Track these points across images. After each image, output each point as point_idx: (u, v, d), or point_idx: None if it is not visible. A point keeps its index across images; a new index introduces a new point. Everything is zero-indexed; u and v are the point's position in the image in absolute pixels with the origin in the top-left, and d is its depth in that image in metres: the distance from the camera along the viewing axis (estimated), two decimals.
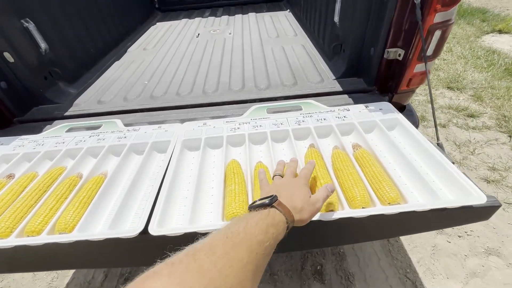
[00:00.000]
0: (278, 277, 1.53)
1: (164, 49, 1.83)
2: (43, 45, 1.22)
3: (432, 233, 1.69)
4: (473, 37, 4.05)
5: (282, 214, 0.45)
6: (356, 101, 1.06)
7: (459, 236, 1.69)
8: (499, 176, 1.96)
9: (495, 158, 2.11)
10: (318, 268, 1.56)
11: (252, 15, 2.43)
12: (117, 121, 1.00)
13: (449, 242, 1.66)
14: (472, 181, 0.61)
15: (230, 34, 2.01)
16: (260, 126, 0.91)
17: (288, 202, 0.49)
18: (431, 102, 0.87)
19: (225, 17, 2.46)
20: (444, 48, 3.70)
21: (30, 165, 0.82)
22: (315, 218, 0.55)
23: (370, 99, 1.05)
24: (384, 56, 1.02)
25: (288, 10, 2.50)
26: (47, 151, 0.86)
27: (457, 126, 2.45)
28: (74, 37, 1.50)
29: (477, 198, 0.55)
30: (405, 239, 1.67)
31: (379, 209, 0.57)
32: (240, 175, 0.71)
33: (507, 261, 1.51)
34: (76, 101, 1.27)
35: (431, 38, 0.90)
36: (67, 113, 1.17)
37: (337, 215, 0.57)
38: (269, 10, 2.58)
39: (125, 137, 0.89)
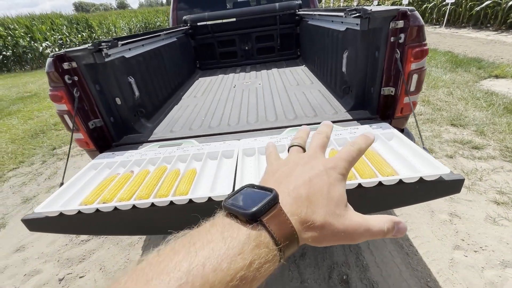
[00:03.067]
0: (308, 285, 1.71)
1: (210, 96, 2.37)
2: (136, 93, 1.76)
3: (449, 248, 1.84)
4: (471, 82, 4.50)
5: (273, 242, 0.26)
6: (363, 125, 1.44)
7: (475, 251, 1.83)
8: (507, 199, 2.14)
9: (503, 184, 2.30)
10: (344, 277, 1.73)
11: (274, 70, 3.04)
12: (193, 140, 1.43)
13: (466, 256, 1.80)
14: (444, 165, 0.93)
15: (259, 84, 2.55)
16: None
17: (299, 206, 0.29)
18: (415, 119, 1.23)
19: (253, 73, 3.08)
20: (445, 91, 4.17)
21: (142, 166, 1.22)
22: None
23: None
24: (381, 93, 1.43)
25: (304, 65, 3.10)
26: (151, 158, 1.27)
27: (464, 157, 2.70)
28: (152, 88, 2.07)
29: (443, 170, 0.87)
30: (423, 254, 1.83)
31: (380, 178, 0.90)
32: None
33: None
34: (154, 131, 1.73)
35: (411, 80, 1.31)
36: (149, 139, 1.62)
37: (352, 182, 0.90)
38: (288, 66, 3.20)
39: (202, 149, 1.30)
